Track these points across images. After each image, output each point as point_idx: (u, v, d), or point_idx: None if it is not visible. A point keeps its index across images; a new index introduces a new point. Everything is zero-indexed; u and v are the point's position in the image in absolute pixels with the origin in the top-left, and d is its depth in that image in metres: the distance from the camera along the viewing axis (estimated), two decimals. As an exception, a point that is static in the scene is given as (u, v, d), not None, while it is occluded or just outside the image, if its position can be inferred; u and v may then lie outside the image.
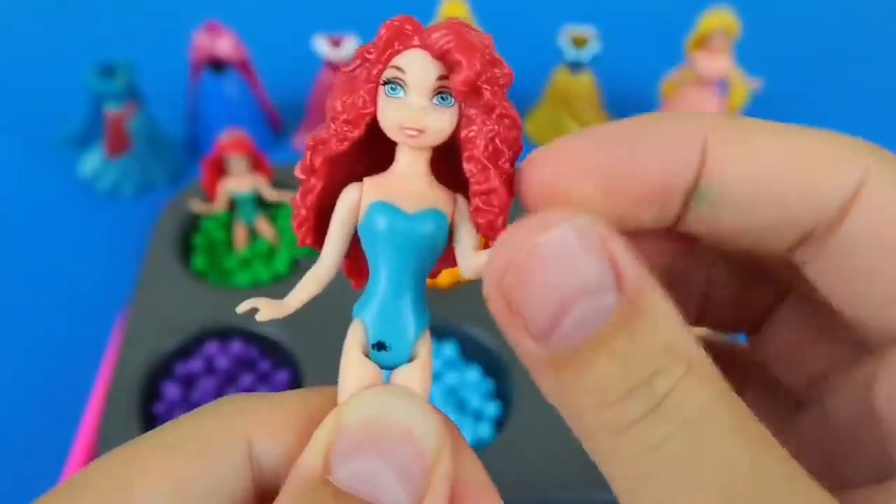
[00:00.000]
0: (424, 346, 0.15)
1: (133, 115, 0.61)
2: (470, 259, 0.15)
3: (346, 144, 0.15)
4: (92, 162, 0.64)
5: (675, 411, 0.11)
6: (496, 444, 0.45)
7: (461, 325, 0.50)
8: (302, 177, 0.15)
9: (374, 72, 0.15)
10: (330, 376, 0.55)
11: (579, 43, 0.65)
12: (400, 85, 0.14)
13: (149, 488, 0.13)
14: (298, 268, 0.55)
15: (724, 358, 0.18)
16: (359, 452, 0.14)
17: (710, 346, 0.17)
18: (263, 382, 0.48)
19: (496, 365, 0.49)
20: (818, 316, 0.16)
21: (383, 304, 0.15)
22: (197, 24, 0.64)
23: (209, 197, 0.56)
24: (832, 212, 0.13)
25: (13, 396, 0.50)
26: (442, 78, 0.14)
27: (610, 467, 0.13)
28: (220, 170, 0.55)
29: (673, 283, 0.16)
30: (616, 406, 0.12)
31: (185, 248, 0.56)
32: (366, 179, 0.15)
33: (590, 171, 0.13)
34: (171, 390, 0.47)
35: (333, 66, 0.64)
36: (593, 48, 0.65)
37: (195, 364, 0.48)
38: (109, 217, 0.62)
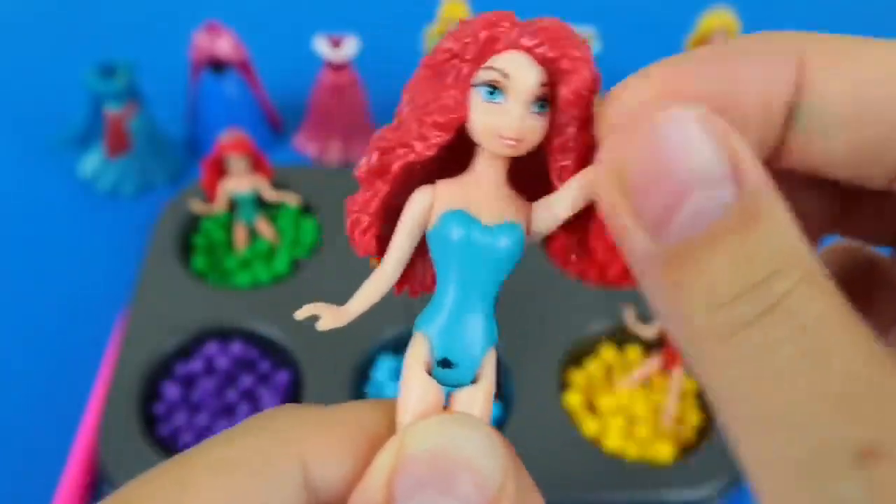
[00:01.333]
0: (489, 367, 0.15)
1: (133, 116, 0.61)
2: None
3: (433, 149, 0.13)
4: (92, 162, 0.64)
5: (790, 316, 0.11)
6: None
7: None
8: (367, 179, 0.14)
9: (467, 71, 0.13)
10: (330, 377, 0.55)
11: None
12: (500, 89, 0.13)
13: None
14: (298, 268, 0.55)
15: (862, 268, 0.16)
16: (422, 488, 0.13)
17: (848, 255, 0.16)
18: (263, 383, 0.48)
19: (496, 365, 0.49)
20: None
21: (451, 319, 0.14)
22: (197, 25, 0.64)
23: (209, 197, 0.56)
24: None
25: (13, 396, 0.50)
26: (543, 85, 0.13)
27: (714, 372, 0.12)
28: (220, 170, 0.55)
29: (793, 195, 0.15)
30: (728, 307, 0.11)
31: (185, 249, 0.56)
32: (439, 183, 0.14)
33: (683, 94, 0.12)
34: (171, 390, 0.47)
35: (333, 67, 0.64)
36: (593, 48, 0.65)
37: (195, 364, 0.48)
38: (109, 217, 0.62)
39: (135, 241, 0.58)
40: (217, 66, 0.64)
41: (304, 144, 0.69)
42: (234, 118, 0.65)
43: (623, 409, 0.47)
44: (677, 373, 0.47)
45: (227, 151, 0.53)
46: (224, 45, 0.63)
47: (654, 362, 0.48)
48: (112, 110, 0.61)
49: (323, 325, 0.15)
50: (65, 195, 0.64)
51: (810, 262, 0.11)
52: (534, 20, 0.13)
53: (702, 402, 0.48)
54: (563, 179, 0.14)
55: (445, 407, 0.15)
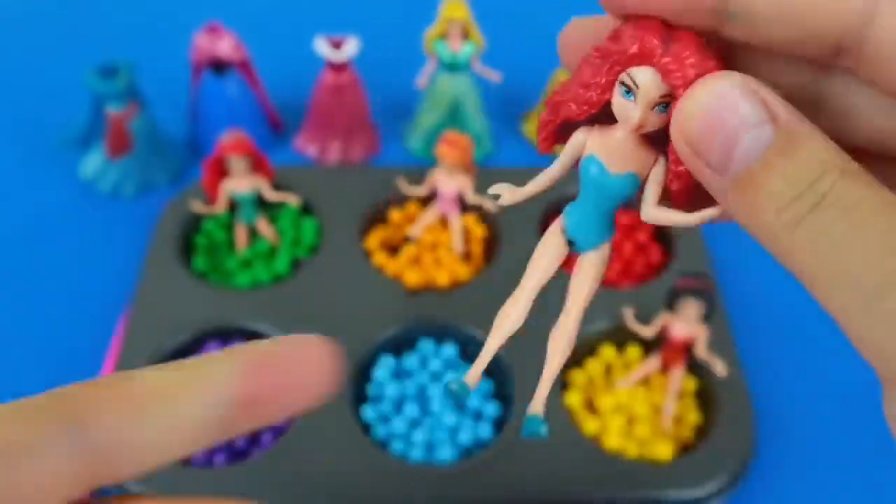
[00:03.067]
0: (600, 252, 0.20)
1: (134, 116, 0.61)
2: (649, 208, 0.19)
3: (583, 116, 0.18)
4: (93, 163, 0.64)
5: (834, 203, 0.15)
6: (496, 444, 0.45)
7: (461, 325, 0.50)
8: (551, 107, 0.19)
9: (615, 70, 0.18)
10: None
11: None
12: (632, 92, 0.17)
13: None
14: (298, 268, 0.55)
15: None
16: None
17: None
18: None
19: (496, 365, 0.49)
20: None
21: (580, 217, 0.19)
22: (198, 26, 0.64)
23: (210, 197, 0.56)
24: (854, 27, 0.16)
25: (15, 397, 0.50)
26: (665, 96, 0.17)
27: (792, 259, 0.15)
28: (220, 170, 0.55)
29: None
30: (789, 208, 0.15)
31: (186, 249, 0.56)
32: (595, 129, 0.19)
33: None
34: (172, 390, 0.47)
35: (334, 67, 0.64)
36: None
37: (196, 364, 0.48)
38: (111, 217, 0.62)
39: (136, 241, 0.59)
40: (218, 66, 0.64)
41: (305, 145, 0.69)
42: (234, 119, 0.65)
43: (623, 409, 0.47)
44: (676, 372, 0.47)
45: (228, 152, 0.53)
46: (225, 46, 0.63)
47: (653, 362, 0.48)
48: (113, 111, 0.61)
49: (503, 201, 0.20)
50: (66, 196, 0.64)
51: (843, 162, 0.15)
52: (674, 36, 0.17)
53: (701, 401, 0.49)
54: (673, 154, 0.18)
55: (569, 257, 0.20)
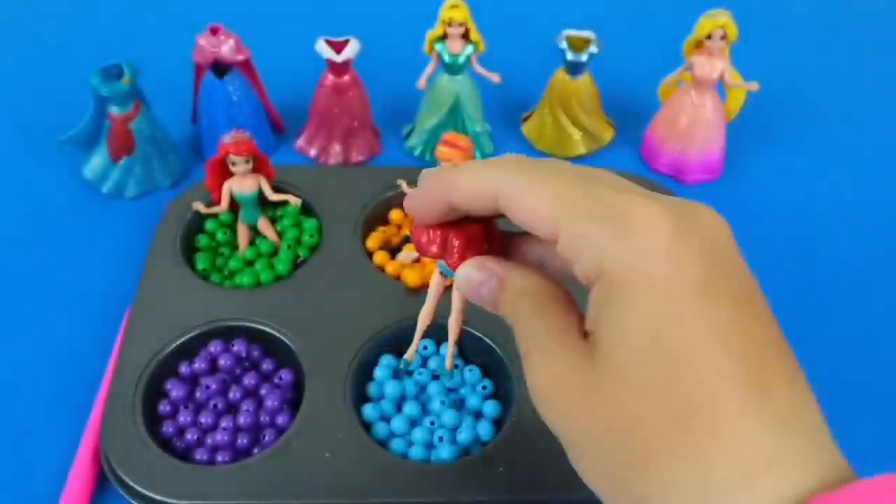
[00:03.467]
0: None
1: (137, 118, 0.62)
2: None
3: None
4: (96, 163, 0.64)
5: (518, 311, 0.28)
6: (496, 443, 0.45)
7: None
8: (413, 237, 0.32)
9: (431, 254, 0.31)
10: (332, 376, 0.55)
11: (576, 45, 0.66)
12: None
13: None
14: (299, 268, 0.56)
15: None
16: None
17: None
18: (267, 381, 0.49)
19: (496, 365, 0.49)
20: None
21: (444, 269, 0.33)
22: (200, 28, 0.64)
23: (212, 198, 0.56)
24: (495, 199, 0.27)
25: (19, 397, 0.50)
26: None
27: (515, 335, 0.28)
28: (223, 171, 0.55)
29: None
30: (510, 315, 0.28)
31: (188, 249, 0.57)
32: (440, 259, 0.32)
33: (419, 204, 0.30)
34: (175, 389, 0.47)
35: (335, 69, 0.65)
36: (590, 50, 0.65)
37: (198, 364, 0.49)
38: (113, 218, 0.63)
39: (138, 241, 0.59)
40: (220, 68, 0.65)
41: (306, 145, 0.70)
42: (236, 120, 0.65)
43: (621, 408, 0.47)
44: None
45: (230, 152, 0.54)
46: (227, 48, 0.64)
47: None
48: (116, 112, 0.61)
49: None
50: (69, 197, 0.64)
51: (529, 286, 0.28)
52: (450, 244, 0.30)
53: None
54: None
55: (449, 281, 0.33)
